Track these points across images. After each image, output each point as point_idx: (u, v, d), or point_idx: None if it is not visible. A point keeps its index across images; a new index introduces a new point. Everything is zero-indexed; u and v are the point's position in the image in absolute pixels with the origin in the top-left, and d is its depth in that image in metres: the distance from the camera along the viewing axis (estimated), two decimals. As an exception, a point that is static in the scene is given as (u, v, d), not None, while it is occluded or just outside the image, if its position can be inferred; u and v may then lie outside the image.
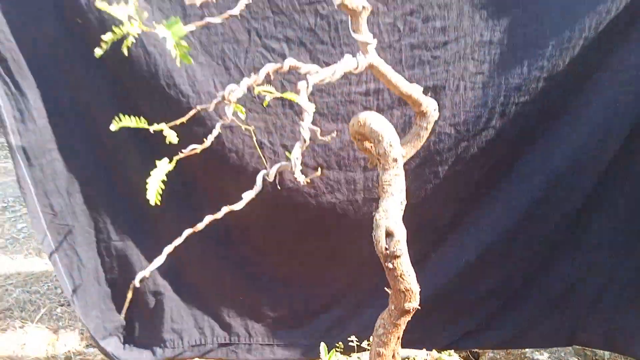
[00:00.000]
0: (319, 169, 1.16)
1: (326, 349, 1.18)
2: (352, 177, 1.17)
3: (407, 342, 1.14)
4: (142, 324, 1.36)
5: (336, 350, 1.30)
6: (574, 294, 1.29)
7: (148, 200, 1.20)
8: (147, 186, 0.73)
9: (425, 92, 0.82)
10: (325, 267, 1.32)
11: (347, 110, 1.12)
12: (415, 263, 0.80)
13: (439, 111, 0.84)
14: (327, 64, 0.89)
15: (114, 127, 0.78)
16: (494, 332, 1.33)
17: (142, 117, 0.84)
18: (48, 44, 1.07)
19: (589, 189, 1.18)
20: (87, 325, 1.29)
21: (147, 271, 0.72)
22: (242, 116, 0.88)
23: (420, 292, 0.81)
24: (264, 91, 0.84)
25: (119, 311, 1.33)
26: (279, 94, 0.86)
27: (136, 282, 0.72)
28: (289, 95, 0.88)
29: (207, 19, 0.72)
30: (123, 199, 1.23)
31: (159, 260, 0.72)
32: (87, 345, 1.78)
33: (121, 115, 0.79)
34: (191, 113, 0.81)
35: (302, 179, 0.70)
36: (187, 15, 1.05)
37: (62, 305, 1.99)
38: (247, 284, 1.34)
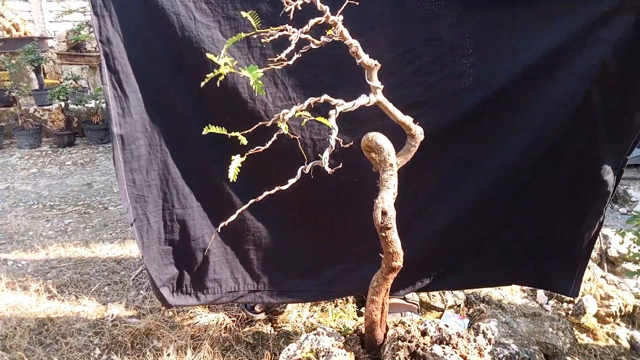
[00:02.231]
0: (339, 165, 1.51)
1: (332, 310, 1.54)
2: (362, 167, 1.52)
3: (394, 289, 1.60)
4: (191, 275, 1.74)
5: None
6: (515, 248, 1.75)
7: (205, 178, 1.63)
8: (229, 170, 1.11)
9: (414, 105, 1.22)
10: (335, 232, 1.75)
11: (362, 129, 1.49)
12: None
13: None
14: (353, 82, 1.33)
15: (204, 132, 1.17)
16: (457, 276, 1.81)
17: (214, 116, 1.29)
18: (149, 60, 1.48)
19: (526, 175, 1.62)
20: (152, 274, 1.66)
21: (225, 223, 1.10)
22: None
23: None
24: (304, 116, 1.23)
25: (176, 264, 1.72)
26: (313, 117, 1.25)
27: (218, 230, 1.09)
28: (321, 118, 1.27)
29: (271, 65, 1.11)
30: (187, 177, 1.63)
31: (232, 217, 1.10)
32: (130, 316, 2.15)
33: (210, 126, 1.17)
34: (256, 126, 1.20)
35: (329, 170, 1.09)
36: (250, 46, 1.48)
37: (108, 285, 2.36)
38: (274, 244, 1.74)
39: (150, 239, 1.65)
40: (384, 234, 1.15)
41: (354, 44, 1.11)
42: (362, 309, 2.15)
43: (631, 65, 1.38)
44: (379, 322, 1.25)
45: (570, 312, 2.19)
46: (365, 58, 1.12)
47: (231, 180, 1.10)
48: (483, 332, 1.25)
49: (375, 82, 1.15)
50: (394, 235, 1.15)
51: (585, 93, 1.45)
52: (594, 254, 2.49)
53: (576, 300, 2.21)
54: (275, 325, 2.08)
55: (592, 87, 1.43)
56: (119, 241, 2.76)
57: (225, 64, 1.12)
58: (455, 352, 1.15)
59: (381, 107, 1.18)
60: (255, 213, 1.69)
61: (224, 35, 1.46)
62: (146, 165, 1.58)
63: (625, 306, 2.21)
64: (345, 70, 1.50)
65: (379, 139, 1.18)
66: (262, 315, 2.10)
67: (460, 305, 2.15)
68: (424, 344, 1.16)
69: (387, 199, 1.15)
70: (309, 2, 1.05)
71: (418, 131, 1.22)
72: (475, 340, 1.22)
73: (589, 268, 2.39)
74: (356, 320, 2.07)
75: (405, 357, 1.15)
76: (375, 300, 1.22)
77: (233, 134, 1.19)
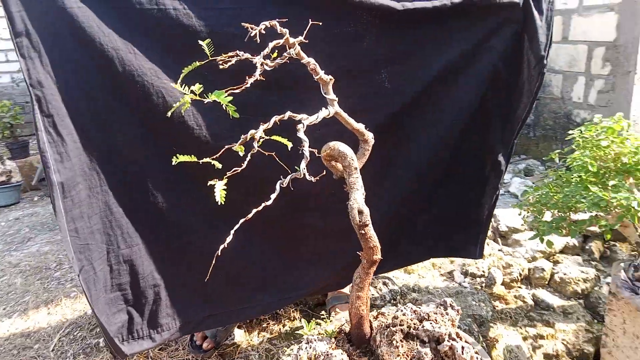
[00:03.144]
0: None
1: (306, 322, 1.57)
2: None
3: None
4: (142, 317, 1.63)
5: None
6: (430, 230, 2.00)
7: (150, 213, 1.56)
8: (215, 193, 1.11)
9: (354, 112, 1.34)
10: (284, 241, 1.80)
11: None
12: None
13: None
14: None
15: (174, 161, 1.16)
16: (389, 262, 1.95)
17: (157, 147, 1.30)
18: (85, 99, 1.41)
19: (441, 166, 1.87)
20: (104, 326, 1.54)
21: (225, 244, 1.10)
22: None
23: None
24: (270, 137, 1.26)
25: (125, 310, 1.60)
26: (278, 138, 1.29)
27: (219, 252, 1.09)
28: (281, 139, 1.31)
29: (235, 88, 1.15)
30: (130, 215, 1.55)
31: (229, 238, 1.11)
32: None
33: (178, 155, 1.17)
34: (222, 151, 1.21)
35: (311, 179, 1.15)
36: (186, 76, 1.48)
37: None
38: (228, 263, 1.66)
39: (98, 288, 1.53)
40: (362, 232, 1.24)
41: (311, 62, 1.20)
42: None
43: (511, 68, 1.72)
44: (366, 316, 1.33)
45: (483, 284, 2.49)
46: (322, 74, 1.22)
47: (219, 203, 1.10)
48: (451, 305, 1.39)
49: (331, 95, 1.26)
50: (371, 231, 1.25)
51: (483, 93, 1.75)
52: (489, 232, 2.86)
53: (486, 273, 2.52)
54: (229, 359, 2.03)
55: (488, 87, 1.74)
56: (18, 314, 2.43)
57: (192, 91, 1.14)
58: (438, 325, 1.28)
59: (338, 117, 1.29)
60: (202, 236, 1.67)
61: (165, 67, 1.44)
62: (87, 210, 1.48)
63: (523, 270, 2.58)
64: (283, 89, 1.58)
65: (341, 147, 1.28)
66: (212, 352, 2.03)
67: (396, 298, 2.31)
68: (414, 324, 1.27)
69: (359, 199, 1.25)
70: (269, 26, 1.12)
71: (370, 136, 1.35)
72: (448, 314, 1.36)
73: (488, 244, 2.75)
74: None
75: (401, 339, 1.24)
76: (360, 296, 1.30)
77: (204, 160, 1.19)
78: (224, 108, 1.52)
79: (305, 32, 1.14)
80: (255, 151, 1.20)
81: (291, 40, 1.15)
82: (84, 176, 1.46)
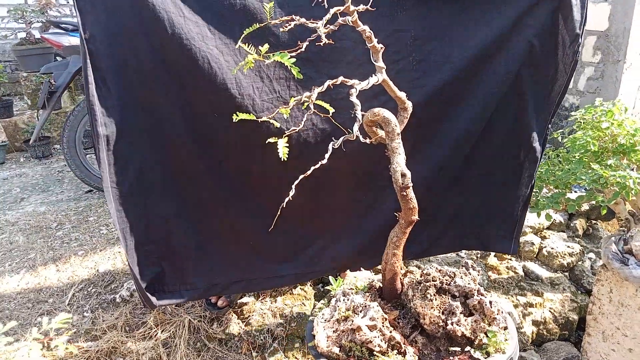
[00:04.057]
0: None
1: (334, 278, 1.66)
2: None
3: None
4: (174, 273, 1.71)
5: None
6: (461, 215, 1.97)
7: (188, 175, 1.61)
8: (278, 150, 1.16)
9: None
10: (307, 216, 1.83)
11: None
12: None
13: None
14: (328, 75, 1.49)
15: (234, 119, 1.22)
16: (416, 245, 1.93)
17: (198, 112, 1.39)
18: (133, 57, 1.45)
19: (468, 147, 1.85)
20: (136, 276, 1.61)
21: (297, 181, 1.16)
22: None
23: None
24: (316, 102, 1.32)
25: (158, 264, 1.68)
26: (322, 103, 1.35)
27: (289, 197, 1.16)
28: (324, 104, 1.37)
29: (292, 50, 1.20)
30: (169, 175, 1.61)
31: (291, 192, 1.18)
32: (84, 341, 1.97)
33: (238, 113, 1.22)
34: (275, 113, 1.27)
35: (366, 140, 1.23)
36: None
37: (41, 315, 2.10)
38: (253, 234, 1.77)
39: (134, 239, 1.59)
40: (404, 193, 1.33)
41: (367, 29, 1.27)
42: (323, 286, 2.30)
43: (547, 46, 1.73)
44: (399, 272, 1.43)
45: (479, 255, 2.64)
46: (375, 42, 1.29)
47: (283, 159, 1.16)
48: (472, 266, 1.51)
49: (380, 63, 1.33)
50: (412, 194, 1.34)
51: (517, 71, 1.75)
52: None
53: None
54: (242, 317, 2.11)
55: (522, 66, 1.74)
56: (26, 270, 2.45)
57: (257, 52, 1.19)
58: (468, 281, 1.39)
59: (384, 85, 1.36)
60: (236, 204, 1.73)
61: (212, 32, 1.48)
62: (129, 164, 1.52)
63: (514, 244, 2.74)
64: (321, 62, 1.63)
65: (386, 113, 1.36)
66: (227, 309, 2.11)
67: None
68: (446, 280, 1.38)
69: (401, 163, 1.34)
70: (333, -7, 1.18)
71: (409, 104, 1.43)
72: (470, 274, 1.48)
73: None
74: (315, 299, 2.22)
75: (434, 293, 1.35)
76: (396, 254, 1.40)
77: (264, 118, 1.25)
78: (268, 77, 1.56)
79: (370, 1, 1.20)
80: (312, 112, 1.26)
81: (352, 7, 1.21)
82: (129, 131, 1.50)
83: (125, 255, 1.57)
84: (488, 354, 1.27)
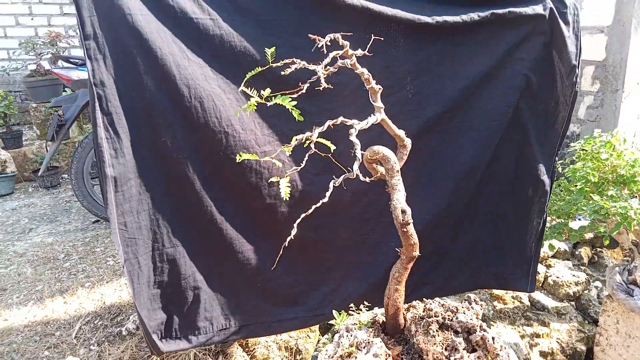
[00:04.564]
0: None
1: (337, 313, 1.68)
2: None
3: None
4: (180, 317, 1.70)
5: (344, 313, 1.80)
6: (473, 253, 1.95)
7: (196, 214, 1.63)
8: (280, 189, 1.20)
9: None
10: (315, 255, 1.83)
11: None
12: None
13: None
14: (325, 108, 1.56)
15: (238, 159, 1.25)
16: (429, 286, 1.93)
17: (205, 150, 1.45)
18: (141, 101, 1.49)
19: (474, 183, 1.85)
20: (144, 320, 1.60)
21: (299, 220, 1.19)
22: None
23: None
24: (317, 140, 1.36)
25: (164, 308, 1.66)
26: (323, 140, 1.39)
27: (291, 236, 1.18)
28: (325, 141, 1.41)
29: (291, 92, 1.24)
30: (177, 215, 1.62)
31: (294, 231, 1.20)
32: None
33: (241, 153, 1.26)
34: (278, 151, 1.31)
35: (365, 179, 1.26)
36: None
37: (48, 349, 2.11)
38: (262, 275, 1.77)
39: (141, 283, 1.60)
40: (405, 229, 1.35)
41: (365, 72, 1.31)
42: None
43: (544, 79, 1.76)
44: (402, 307, 1.44)
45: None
46: (373, 83, 1.33)
47: (284, 199, 1.19)
48: (475, 301, 1.52)
49: (379, 103, 1.37)
50: (412, 230, 1.37)
51: (515, 104, 1.78)
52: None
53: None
54: (247, 349, 2.11)
55: (520, 98, 1.78)
56: (33, 302, 2.47)
57: (259, 95, 1.23)
58: (470, 317, 1.40)
59: (383, 124, 1.40)
60: (245, 244, 1.74)
61: (213, 73, 1.54)
62: (137, 206, 1.55)
63: (519, 273, 2.74)
64: (318, 96, 1.68)
65: (385, 150, 1.39)
66: (231, 342, 2.11)
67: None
68: (448, 315, 1.39)
69: (401, 199, 1.36)
70: (333, 38, 1.23)
71: (408, 142, 1.47)
72: (473, 308, 1.49)
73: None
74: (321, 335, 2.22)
75: (436, 329, 1.36)
76: (398, 289, 1.41)
77: (266, 158, 1.29)
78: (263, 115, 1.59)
79: (368, 46, 1.25)
80: (312, 152, 1.30)
81: (350, 52, 1.26)
82: (136, 173, 1.53)
83: (133, 297, 1.59)
84: (491, 391, 1.27)
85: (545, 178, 1.84)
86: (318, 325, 2.23)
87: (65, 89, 5.04)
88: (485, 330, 1.36)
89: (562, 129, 1.81)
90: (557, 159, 1.86)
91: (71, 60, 3.83)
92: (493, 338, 1.34)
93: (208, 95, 1.54)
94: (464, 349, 1.33)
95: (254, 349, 2.10)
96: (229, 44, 1.56)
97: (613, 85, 3.39)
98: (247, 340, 2.13)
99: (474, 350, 1.35)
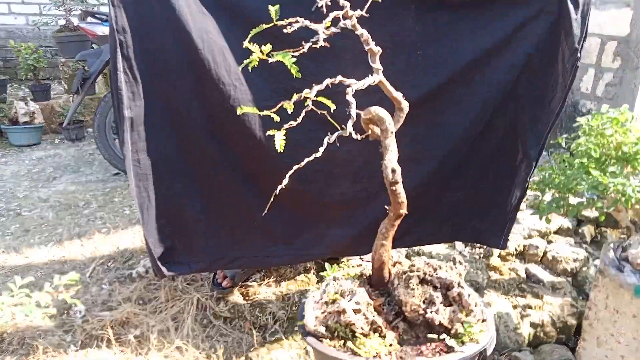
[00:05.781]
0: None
1: (329, 265, 1.77)
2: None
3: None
4: (183, 246, 1.86)
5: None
6: (456, 211, 2.07)
7: (202, 156, 1.75)
8: (275, 141, 1.28)
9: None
10: (308, 205, 1.96)
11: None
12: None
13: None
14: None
15: (239, 112, 1.34)
16: (412, 235, 2.06)
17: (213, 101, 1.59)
18: (156, 49, 1.61)
19: (466, 147, 1.93)
20: (150, 247, 1.77)
21: (291, 171, 1.28)
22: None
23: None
24: (318, 99, 1.42)
25: (170, 237, 1.82)
26: (323, 99, 1.45)
27: (284, 182, 1.27)
28: (326, 100, 1.47)
29: (293, 51, 1.30)
30: (184, 155, 1.76)
31: (285, 180, 1.29)
32: (100, 311, 2.14)
33: (242, 106, 1.34)
34: (278, 106, 1.38)
35: (357, 137, 1.33)
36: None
37: (63, 285, 2.28)
38: (256, 215, 1.83)
39: (150, 214, 1.75)
40: (393, 188, 1.42)
41: (365, 33, 1.36)
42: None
43: (546, 59, 1.78)
44: (387, 262, 1.52)
45: (482, 255, 2.70)
46: (372, 45, 1.38)
47: (279, 151, 1.27)
48: (459, 262, 1.59)
49: (377, 64, 1.42)
50: (401, 188, 1.44)
51: (515, 79, 1.82)
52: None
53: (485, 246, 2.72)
54: (247, 298, 2.24)
55: (520, 75, 1.81)
56: (53, 243, 2.64)
57: (261, 51, 1.30)
58: (450, 274, 1.48)
59: (381, 85, 1.45)
60: (241, 187, 1.88)
61: (228, 29, 1.62)
62: (149, 145, 1.68)
63: (519, 246, 2.79)
64: (322, 58, 1.73)
65: (381, 112, 1.45)
66: (232, 290, 2.24)
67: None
68: (429, 271, 1.47)
69: (393, 159, 1.43)
70: (334, -2, 1.28)
71: (405, 105, 1.52)
72: (456, 267, 1.56)
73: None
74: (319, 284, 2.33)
75: (417, 283, 1.45)
76: (384, 245, 1.49)
77: (266, 112, 1.36)
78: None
79: (366, 6, 1.29)
80: (309, 109, 1.37)
81: (350, 12, 1.31)
82: (149, 115, 1.66)
83: (142, 227, 1.74)
84: (463, 343, 1.36)
85: (532, 152, 1.89)
86: (316, 280, 2.34)
87: (93, 45, 5.16)
88: (462, 287, 1.44)
89: (558, 108, 1.84)
90: (549, 136, 1.90)
91: (97, 15, 3.93)
92: (469, 295, 1.42)
93: (220, 49, 1.64)
94: (440, 303, 1.41)
95: (254, 297, 2.22)
96: (243, 1, 1.63)
97: (634, 62, 3.32)
98: (247, 290, 2.25)
99: (450, 305, 1.43)
